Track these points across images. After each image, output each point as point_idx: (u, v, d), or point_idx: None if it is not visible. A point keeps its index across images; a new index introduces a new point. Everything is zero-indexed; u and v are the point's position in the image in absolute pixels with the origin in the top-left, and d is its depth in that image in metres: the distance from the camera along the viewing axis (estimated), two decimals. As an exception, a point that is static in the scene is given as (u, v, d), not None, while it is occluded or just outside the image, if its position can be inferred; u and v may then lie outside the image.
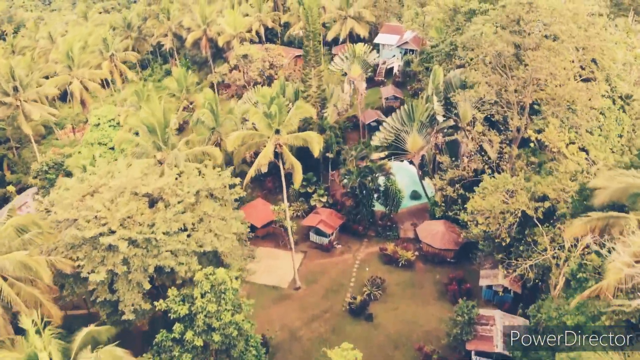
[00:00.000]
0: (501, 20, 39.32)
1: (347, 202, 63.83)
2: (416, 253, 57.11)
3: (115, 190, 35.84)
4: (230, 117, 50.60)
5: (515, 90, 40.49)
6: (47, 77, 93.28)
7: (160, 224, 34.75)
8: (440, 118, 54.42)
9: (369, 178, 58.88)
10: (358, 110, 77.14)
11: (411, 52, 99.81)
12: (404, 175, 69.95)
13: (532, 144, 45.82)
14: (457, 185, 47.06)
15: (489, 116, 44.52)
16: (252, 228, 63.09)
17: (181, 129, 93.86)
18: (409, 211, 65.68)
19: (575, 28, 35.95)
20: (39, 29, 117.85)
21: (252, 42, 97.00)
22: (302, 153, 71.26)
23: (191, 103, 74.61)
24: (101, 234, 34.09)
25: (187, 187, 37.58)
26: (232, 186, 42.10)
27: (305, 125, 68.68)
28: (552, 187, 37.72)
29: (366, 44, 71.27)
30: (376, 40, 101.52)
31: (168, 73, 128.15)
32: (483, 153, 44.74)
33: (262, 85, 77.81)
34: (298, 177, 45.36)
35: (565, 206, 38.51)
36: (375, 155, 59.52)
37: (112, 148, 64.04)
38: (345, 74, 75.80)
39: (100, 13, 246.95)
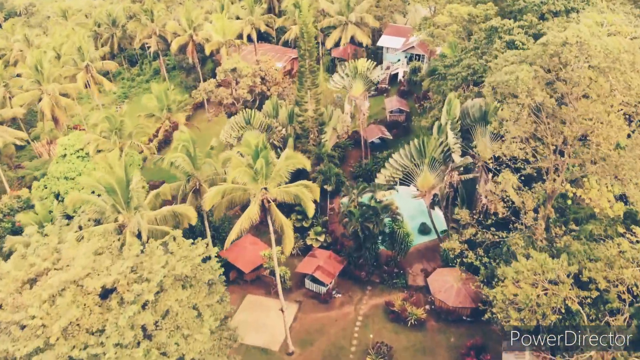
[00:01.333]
0: (542, 63, 31.59)
1: (348, 242, 56.63)
2: (427, 307, 50.12)
3: (57, 286, 28.48)
4: (210, 162, 42.97)
5: (555, 146, 32.91)
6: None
7: (111, 331, 27.49)
8: (457, 158, 46.84)
9: (373, 220, 51.45)
10: (360, 128, 69.31)
11: (417, 58, 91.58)
12: (410, 206, 62.62)
13: (569, 201, 38.33)
14: (479, 250, 39.60)
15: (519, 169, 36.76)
16: (240, 272, 56.35)
17: (167, 141, 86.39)
18: (418, 250, 58.32)
19: (636, 78, 28.29)
20: (15, 29, 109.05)
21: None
22: (294, 176, 63.94)
23: (173, 124, 66.87)
24: (37, 349, 26.95)
25: (148, 274, 30.20)
26: (209, 258, 34.77)
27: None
28: (603, 275, 30.37)
29: (369, 60, 63.12)
30: (379, 43, 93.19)
31: (157, 72, 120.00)
32: (514, 220, 37.16)
33: (252, 103, 69.99)
34: (289, 243, 37.92)
35: (615, 295, 31.27)
36: (380, 195, 51.97)
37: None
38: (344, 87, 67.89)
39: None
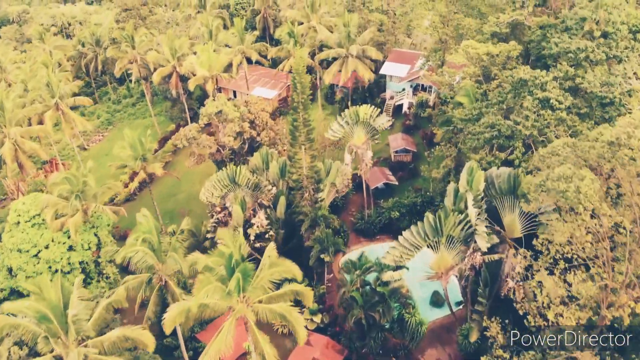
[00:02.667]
0: (608, 169, 23.59)
1: (350, 327, 48.34)
2: (443, 414, 42.00)
3: None
4: (174, 257, 34.74)
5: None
6: None
7: None
8: (483, 244, 38.65)
9: (379, 309, 43.30)
10: (363, 176, 61.02)
11: (424, 88, 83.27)
12: (420, 269, 54.33)
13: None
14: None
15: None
16: None
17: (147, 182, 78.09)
18: (431, 331, 49.97)
19: None
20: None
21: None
22: (290, 237, 55.90)
23: (149, 176, 58.70)
24: None
25: None
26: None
27: (292, 215, 53.08)
28: None
29: (373, 106, 54.90)
30: (382, 71, 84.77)
31: (144, 94, 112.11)
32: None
33: (240, 148, 61.76)
34: (273, 381, 29.63)
35: None
36: (387, 276, 43.78)
37: (37, 255, 48.46)
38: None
39: (90, 3, 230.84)
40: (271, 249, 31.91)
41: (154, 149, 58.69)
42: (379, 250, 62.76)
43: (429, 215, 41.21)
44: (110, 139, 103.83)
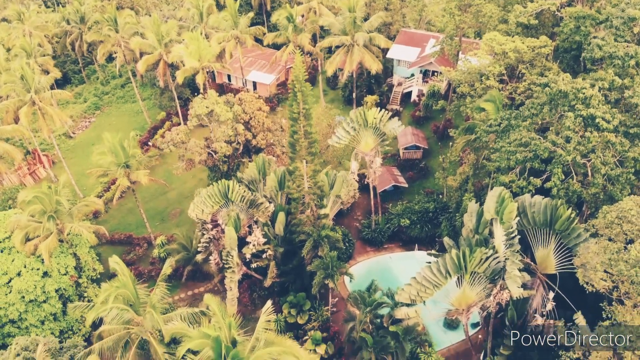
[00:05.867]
0: None
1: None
2: None
3: None
4: (152, 313, 29.30)
5: None
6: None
7: None
8: (516, 291, 33.44)
9: (392, 350, 38.38)
10: (370, 183, 55.28)
11: (434, 74, 76.51)
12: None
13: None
14: None
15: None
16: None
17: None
18: (446, 358, 45.56)
19: None
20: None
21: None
22: (290, 255, 50.80)
23: (133, 183, 52.93)
24: None
25: None
26: None
27: (292, 234, 47.55)
28: None
29: (383, 110, 48.69)
30: (389, 55, 77.92)
31: (135, 74, 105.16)
32: None
33: (235, 152, 55.74)
34: None
35: None
36: (400, 313, 38.64)
37: (8, 283, 43.24)
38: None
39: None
40: (266, 311, 26.52)
41: (138, 154, 52.58)
42: (387, 261, 57.89)
43: (452, 251, 35.74)
44: (97, 125, 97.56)
